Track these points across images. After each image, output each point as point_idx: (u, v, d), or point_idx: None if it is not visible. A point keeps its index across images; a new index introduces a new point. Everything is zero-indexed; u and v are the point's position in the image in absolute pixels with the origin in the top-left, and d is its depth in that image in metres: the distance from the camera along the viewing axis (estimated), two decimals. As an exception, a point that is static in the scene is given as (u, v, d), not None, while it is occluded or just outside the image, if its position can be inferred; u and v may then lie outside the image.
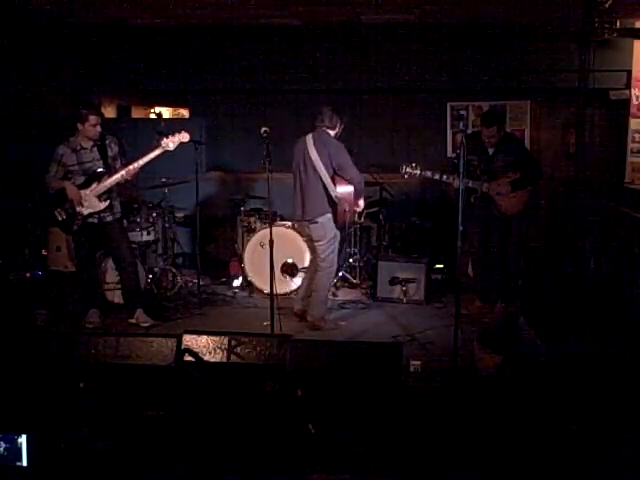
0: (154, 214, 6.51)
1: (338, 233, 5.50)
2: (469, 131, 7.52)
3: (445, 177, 5.47)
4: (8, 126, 6.55)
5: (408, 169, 5.50)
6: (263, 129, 4.80)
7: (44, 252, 6.42)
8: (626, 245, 6.01)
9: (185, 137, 5.27)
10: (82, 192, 5.32)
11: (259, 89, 7.82)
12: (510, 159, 5.60)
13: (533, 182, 5.69)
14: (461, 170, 4.54)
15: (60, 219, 5.42)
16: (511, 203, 5.62)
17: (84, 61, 7.68)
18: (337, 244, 5.55)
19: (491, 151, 5.64)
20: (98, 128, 5.30)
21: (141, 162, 5.27)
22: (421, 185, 7.68)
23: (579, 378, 4.03)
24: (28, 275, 6.16)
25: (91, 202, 5.35)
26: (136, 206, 6.41)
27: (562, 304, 5.84)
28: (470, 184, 5.52)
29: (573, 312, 5.65)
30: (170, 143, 5.23)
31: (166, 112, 9.60)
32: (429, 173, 5.51)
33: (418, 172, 5.48)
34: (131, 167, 5.28)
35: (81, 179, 5.36)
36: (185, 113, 9.31)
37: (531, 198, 5.76)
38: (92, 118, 5.27)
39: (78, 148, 5.36)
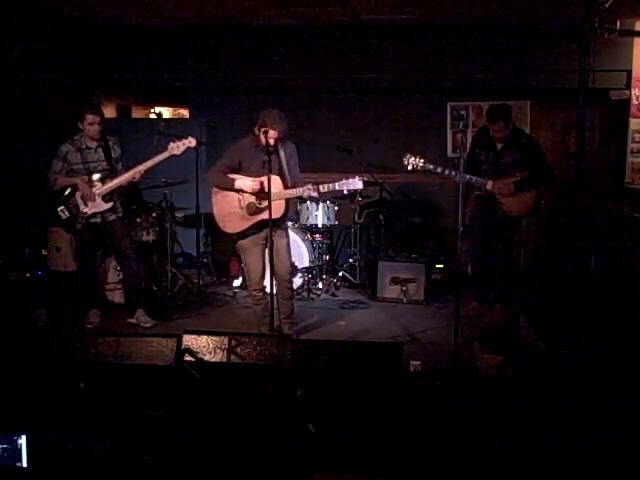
0: (154, 214, 6.52)
1: (243, 243, 5.16)
2: (469, 131, 7.54)
3: (447, 172, 5.33)
4: (8, 126, 6.56)
5: (411, 159, 5.35)
6: (263, 129, 4.79)
7: (44, 252, 6.43)
8: (626, 245, 6.01)
9: (192, 142, 5.29)
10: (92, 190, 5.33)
11: (259, 89, 7.81)
12: (519, 156, 5.45)
13: (540, 184, 5.53)
14: (461, 170, 4.53)
15: (63, 217, 5.42)
16: (514, 204, 5.49)
17: (84, 61, 7.68)
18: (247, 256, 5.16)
19: (499, 146, 5.51)
20: (96, 127, 5.30)
21: (147, 165, 5.28)
22: (421, 185, 7.69)
23: (579, 378, 4.03)
24: (28, 275, 6.16)
25: (96, 202, 5.36)
26: (136, 207, 6.42)
27: (562, 304, 5.83)
28: (474, 181, 5.41)
29: (573, 312, 5.65)
30: (177, 147, 5.23)
31: (166, 112, 9.62)
32: (431, 166, 5.37)
33: (421, 163, 5.34)
34: (137, 169, 5.29)
35: (84, 179, 5.36)
36: (185, 113, 9.32)
37: (538, 200, 5.62)
38: (89, 117, 5.28)
39: (83, 147, 5.36)
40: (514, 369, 4.33)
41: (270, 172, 4.68)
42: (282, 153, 5.00)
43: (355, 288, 6.87)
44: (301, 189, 4.87)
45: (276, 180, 4.87)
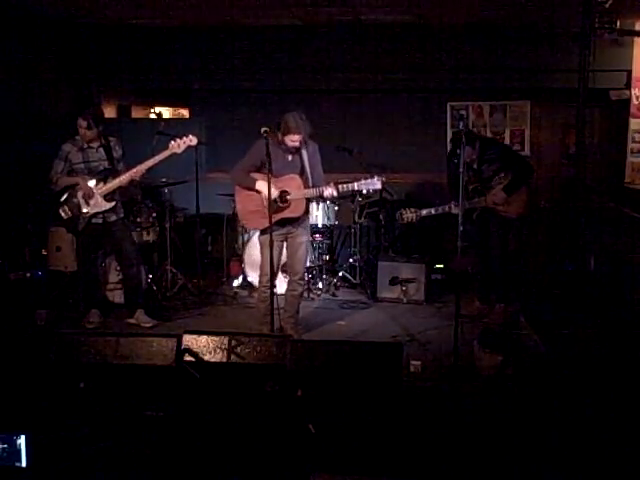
0: (154, 214, 6.52)
1: (264, 238, 5.06)
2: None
3: (441, 208, 5.53)
4: (8, 126, 6.55)
5: (407, 215, 5.56)
6: (263, 129, 4.78)
7: (44, 252, 6.42)
8: (626, 245, 6.01)
9: (193, 141, 5.28)
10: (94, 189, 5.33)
11: (259, 89, 7.81)
12: (495, 166, 5.62)
13: (525, 179, 5.67)
14: (461, 165, 4.54)
15: (65, 217, 5.42)
16: (511, 207, 5.63)
17: (84, 61, 7.68)
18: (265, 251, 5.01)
19: (475, 164, 5.65)
20: (83, 131, 5.30)
21: (149, 164, 5.27)
22: (421, 185, 7.70)
23: (579, 378, 4.03)
24: (28, 275, 6.15)
25: (97, 202, 5.36)
26: (136, 207, 6.41)
27: (562, 304, 5.83)
28: (467, 205, 5.52)
29: (573, 311, 5.65)
30: (178, 146, 5.23)
31: (166, 112, 9.61)
32: (424, 212, 5.59)
33: (416, 215, 5.56)
34: (139, 169, 5.29)
35: (86, 178, 5.36)
36: (185, 113, 9.32)
37: (530, 196, 5.77)
38: (78, 120, 5.31)
39: (85, 147, 5.37)
40: (514, 369, 4.33)
41: (292, 172, 4.94)
42: (305, 153, 5.06)
43: (355, 288, 6.87)
44: (322, 189, 4.96)
45: (297, 179, 4.99)
